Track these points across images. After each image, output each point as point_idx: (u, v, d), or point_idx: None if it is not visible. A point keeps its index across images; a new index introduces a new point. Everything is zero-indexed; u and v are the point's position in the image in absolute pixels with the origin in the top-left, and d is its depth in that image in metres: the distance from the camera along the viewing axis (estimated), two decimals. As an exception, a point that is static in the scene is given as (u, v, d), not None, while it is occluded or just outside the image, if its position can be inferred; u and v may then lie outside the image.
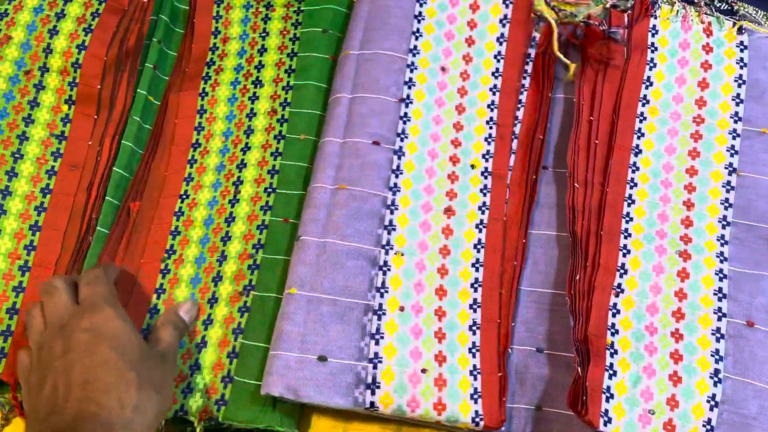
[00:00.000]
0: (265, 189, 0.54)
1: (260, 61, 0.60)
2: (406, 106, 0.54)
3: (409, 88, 0.55)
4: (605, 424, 0.45)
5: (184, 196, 0.55)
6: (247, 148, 0.56)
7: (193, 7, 0.63)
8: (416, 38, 0.57)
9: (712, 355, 0.48)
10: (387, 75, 0.55)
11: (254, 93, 0.58)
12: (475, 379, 0.48)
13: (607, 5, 0.63)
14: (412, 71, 0.56)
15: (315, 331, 0.47)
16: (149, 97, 0.60)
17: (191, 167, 0.56)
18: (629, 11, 0.60)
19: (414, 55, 0.56)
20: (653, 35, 0.58)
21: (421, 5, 0.58)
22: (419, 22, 0.58)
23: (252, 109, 0.57)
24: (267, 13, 0.62)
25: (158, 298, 0.51)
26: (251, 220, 0.52)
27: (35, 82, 0.58)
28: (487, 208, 0.53)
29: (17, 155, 0.56)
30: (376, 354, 0.46)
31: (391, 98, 0.54)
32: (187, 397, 0.47)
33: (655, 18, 0.59)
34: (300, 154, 0.55)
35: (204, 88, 0.59)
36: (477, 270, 0.51)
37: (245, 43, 0.61)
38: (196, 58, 0.61)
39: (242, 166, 0.55)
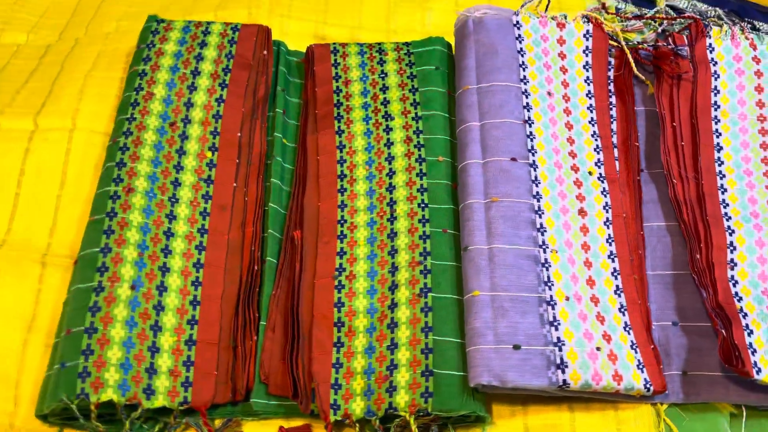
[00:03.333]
0: (419, 204, 0.59)
1: (385, 98, 0.66)
2: (530, 126, 0.61)
3: (528, 111, 0.62)
4: (758, 373, 0.52)
5: (342, 221, 0.60)
6: (392, 173, 0.61)
7: (311, 58, 0.69)
8: (523, 70, 0.64)
9: (822, 308, 0.56)
10: (508, 102, 0.62)
11: (387, 125, 0.64)
12: (636, 352, 0.54)
13: (659, 30, 0.72)
14: (527, 97, 0.63)
15: (503, 324, 0.52)
16: (284, 140, 0.65)
17: (342, 195, 0.61)
18: (687, 33, 0.69)
19: (525, 84, 0.64)
20: (711, 52, 0.68)
21: (520, 42, 0.66)
22: (522, 56, 0.65)
23: (388, 139, 0.63)
24: (381, 57, 0.68)
25: (339, 311, 0.56)
26: (413, 232, 0.58)
27: (179, 132, 0.62)
28: (609, 208, 0.60)
29: (173, 199, 0.59)
30: (558, 339, 0.52)
31: (517, 121, 0.61)
32: (393, 395, 0.51)
33: (710, 37, 0.68)
34: (443, 173, 0.61)
35: (339, 127, 0.64)
36: (613, 261, 0.58)
37: (366, 83, 0.67)
38: (323, 102, 0.66)
39: (392, 188, 0.60)
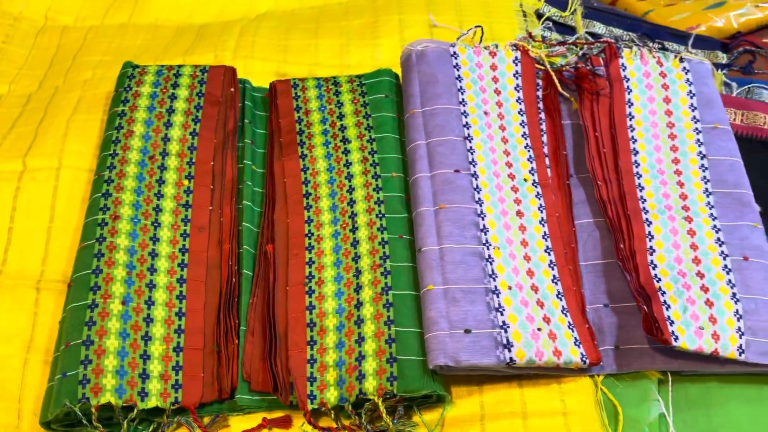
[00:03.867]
0: (377, 215, 0.66)
1: (342, 125, 0.73)
2: (470, 142, 0.70)
3: (468, 129, 0.71)
4: (675, 341, 0.60)
5: (310, 234, 0.67)
6: (352, 189, 0.69)
7: (274, 93, 0.77)
8: (461, 94, 0.73)
9: (728, 283, 0.65)
10: (450, 122, 0.70)
11: (345, 148, 0.71)
12: (573, 331, 0.62)
13: (579, 54, 0.82)
14: (466, 117, 0.71)
15: (455, 312, 0.59)
16: (253, 167, 0.72)
17: (308, 211, 0.68)
18: (602, 55, 0.79)
19: (464, 106, 0.72)
20: (623, 70, 0.78)
21: (458, 70, 0.75)
22: (460, 82, 0.74)
23: (347, 160, 0.71)
24: (336, 89, 0.76)
25: (311, 314, 0.62)
26: (372, 239, 0.65)
27: (158, 164, 0.69)
28: (543, 209, 0.69)
29: (156, 224, 0.66)
30: (503, 322, 0.60)
31: (458, 138, 0.70)
32: (362, 382, 0.58)
33: (622, 58, 0.78)
34: (397, 187, 0.69)
35: (302, 152, 0.72)
36: (549, 254, 0.66)
37: (325, 112, 0.74)
38: (286, 131, 0.74)
39: (352, 202, 0.68)
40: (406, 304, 0.62)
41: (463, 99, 0.73)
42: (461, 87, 0.74)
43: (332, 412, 0.58)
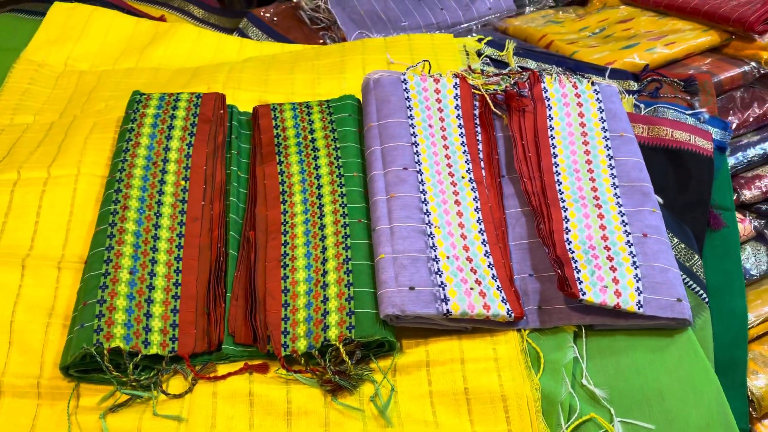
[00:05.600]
0: (340, 204, 0.80)
1: (312, 137, 0.88)
2: (416, 147, 0.84)
3: (414, 137, 0.85)
4: (583, 295, 0.72)
5: (285, 222, 0.79)
6: (320, 186, 0.82)
7: (256, 115, 0.91)
8: (410, 110, 0.88)
9: (629, 254, 0.78)
10: (400, 132, 0.85)
11: (315, 155, 0.86)
12: (501, 292, 0.74)
13: (512, 82, 0.98)
14: (413, 128, 0.86)
15: (402, 274, 0.72)
16: (238, 172, 0.86)
17: (284, 205, 0.81)
18: (527, 80, 0.95)
19: (411, 120, 0.87)
20: (545, 92, 0.93)
21: (407, 93, 0.90)
22: (409, 101, 0.89)
23: (316, 164, 0.85)
24: (308, 110, 0.91)
25: (285, 282, 0.74)
26: (336, 223, 0.78)
27: (160, 168, 0.83)
28: (478, 199, 0.82)
29: (158, 214, 0.79)
30: (442, 282, 0.72)
31: (406, 144, 0.84)
32: (327, 332, 0.69)
33: (544, 82, 0.94)
34: (357, 183, 0.82)
35: (280, 159, 0.86)
36: (482, 234, 0.79)
37: (298, 129, 0.89)
38: (266, 143, 0.88)
39: (320, 196, 0.81)
40: (363, 272, 0.74)
41: (411, 114, 0.88)
42: (410, 105, 0.89)
43: (302, 358, 0.69)
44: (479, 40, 1.10)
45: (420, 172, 0.82)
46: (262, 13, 1.32)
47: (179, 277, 0.74)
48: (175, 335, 0.70)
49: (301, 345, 0.70)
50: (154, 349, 0.68)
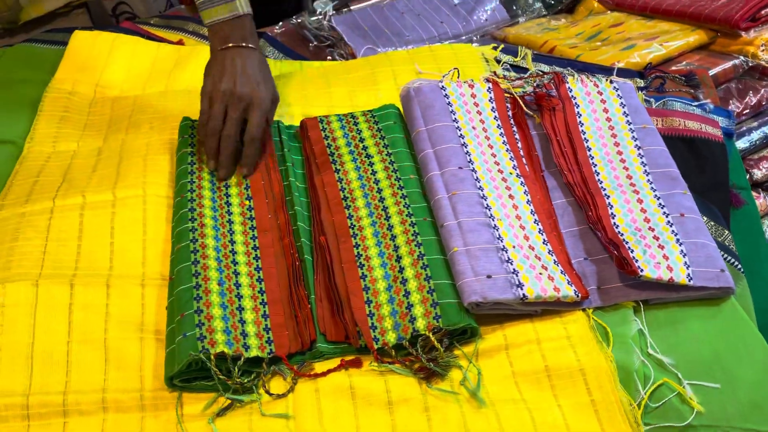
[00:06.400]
0: (404, 205, 0.84)
1: (363, 146, 0.92)
2: (465, 147, 0.89)
3: (462, 138, 0.90)
4: (641, 272, 0.78)
5: (352, 226, 0.83)
6: (380, 190, 0.86)
7: (305, 128, 0.95)
8: (453, 114, 0.93)
9: (672, 233, 0.84)
10: (449, 135, 0.90)
11: (370, 162, 0.90)
12: (564, 275, 0.79)
13: (534, 85, 1.04)
14: (459, 131, 0.91)
15: (477, 264, 0.76)
16: (297, 183, 0.90)
17: (348, 210, 0.85)
18: (551, 81, 1.01)
19: (456, 123, 0.92)
20: (570, 91, 1.00)
21: (447, 98, 0.95)
22: (450, 106, 0.94)
23: (372, 170, 0.89)
24: (354, 120, 0.96)
25: (364, 280, 0.77)
26: (404, 223, 0.82)
27: (224, 185, 0.85)
28: (527, 192, 0.88)
29: (231, 231, 0.81)
30: (514, 270, 0.77)
31: (456, 145, 0.89)
32: (414, 323, 0.73)
33: (567, 83, 1.01)
34: (414, 185, 0.87)
35: (336, 168, 0.89)
36: (537, 224, 0.85)
37: (348, 138, 0.93)
38: (319, 154, 0.91)
39: (382, 199, 0.85)
40: (438, 265, 0.78)
41: (455, 118, 0.93)
42: (452, 110, 0.94)
43: (393, 350, 0.73)
44: (494, 48, 1.17)
45: (473, 170, 0.87)
46: (275, 31, 1.36)
47: (262, 284, 0.77)
48: (270, 338, 0.72)
49: (391, 337, 0.73)
50: (254, 352, 0.70)
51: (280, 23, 1.44)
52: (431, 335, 0.72)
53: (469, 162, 0.88)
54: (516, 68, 1.14)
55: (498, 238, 0.80)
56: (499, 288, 0.75)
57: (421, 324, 0.73)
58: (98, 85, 1.11)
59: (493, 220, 0.82)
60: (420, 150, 0.90)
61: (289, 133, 0.96)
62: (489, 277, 0.76)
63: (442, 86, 0.97)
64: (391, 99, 1.02)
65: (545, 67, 1.16)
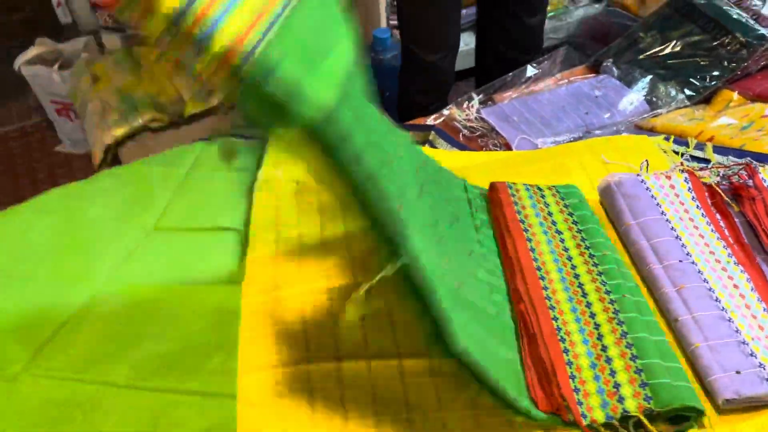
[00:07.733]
0: (601, 283, 0.86)
1: (552, 219, 0.96)
2: (679, 240, 0.92)
3: (674, 231, 0.93)
4: None
5: (548, 298, 0.85)
6: (574, 266, 0.89)
7: (494, 190, 1.01)
8: (659, 207, 0.96)
9: None
10: (662, 228, 0.93)
11: (561, 237, 0.94)
12: None
13: (720, 174, 1.06)
14: (669, 223, 0.94)
15: (723, 360, 0.77)
16: (492, 246, 0.94)
17: (543, 281, 0.87)
18: (743, 171, 1.03)
19: (664, 215, 0.95)
20: (764, 182, 1.01)
21: (649, 191, 0.99)
22: (654, 199, 0.97)
23: (564, 246, 0.92)
24: (541, 192, 1.01)
25: (567, 355, 0.78)
26: (602, 300, 0.83)
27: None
28: (750, 280, 0.88)
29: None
30: (760, 363, 0.77)
31: (671, 238, 0.91)
32: (623, 403, 0.73)
33: (760, 173, 1.02)
34: (610, 261, 0.89)
35: (528, 236, 0.93)
36: (767, 312, 0.85)
37: (536, 208, 0.97)
38: (510, 219, 0.96)
39: (577, 275, 0.88)
40: (643, 343, 0.79)
41: (662, 211, 0.96)
42: (657, 203, 0.97)
43: (602, 428, 0.73)
44: (666, 139, 1.20)
45: (693, 263, 0.89)
46: (436, 123, 1.44)
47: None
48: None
49: (599, 415, 0.74)
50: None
51: (433, 115, 1.52)
52: (643, 417, 0.72)
53: (686, 255, 0.90)
54: (694, 158, 1.16)
55: (735, 331, 0.81)
56: (750, 383, 0.76)
57: (631, 404, 0.73)
58: (292, 176, 1.20)
59: (726, 313, 0.83)
60: (632, 242, 0.93)
61: (475, 192, 1.01)
62: (738, 372, 0.76)
63: (642, 179, 1.00)
64: (582, 188, 1.06)
65: (720, 159, 1.18)
